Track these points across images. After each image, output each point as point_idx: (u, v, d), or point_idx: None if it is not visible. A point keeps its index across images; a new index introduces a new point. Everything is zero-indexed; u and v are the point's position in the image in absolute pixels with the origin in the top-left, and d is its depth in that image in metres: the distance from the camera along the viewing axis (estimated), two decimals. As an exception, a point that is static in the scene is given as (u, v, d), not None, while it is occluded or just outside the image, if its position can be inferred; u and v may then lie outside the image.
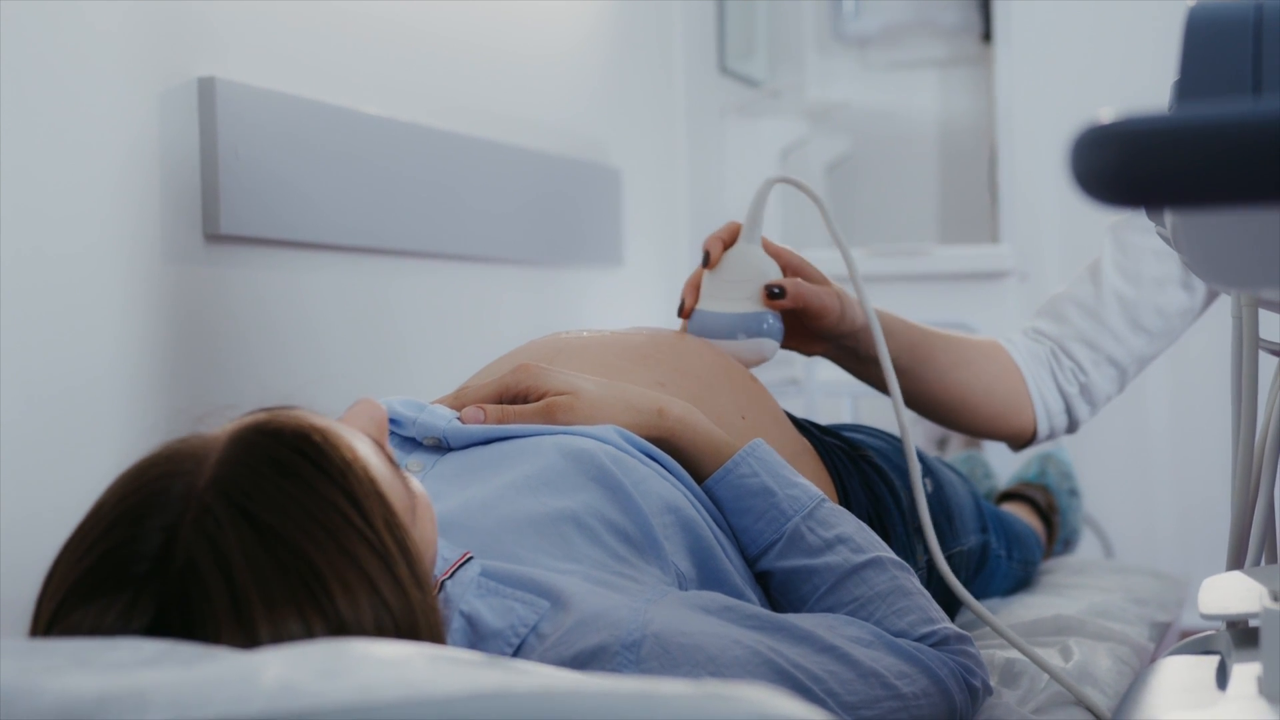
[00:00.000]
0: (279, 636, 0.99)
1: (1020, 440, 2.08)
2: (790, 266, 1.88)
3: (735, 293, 1.84)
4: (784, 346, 1.92)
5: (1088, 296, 2.05)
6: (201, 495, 1.04)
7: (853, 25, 4.58)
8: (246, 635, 0.99)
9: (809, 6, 4.59)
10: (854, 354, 1.92)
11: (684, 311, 1.89)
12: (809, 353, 1.94)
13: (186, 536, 1.02)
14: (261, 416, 1.12)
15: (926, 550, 1.91)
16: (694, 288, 1.89)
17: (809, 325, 1.88)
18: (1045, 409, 2.03)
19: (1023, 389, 2.02)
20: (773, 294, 1.83)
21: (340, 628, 1.02)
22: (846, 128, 4.54)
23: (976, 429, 2.05)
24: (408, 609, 1.07)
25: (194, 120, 1.92)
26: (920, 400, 1.99)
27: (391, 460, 1.17)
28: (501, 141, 2.69)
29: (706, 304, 1.87)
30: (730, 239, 1.87)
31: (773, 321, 1.85)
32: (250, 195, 1.98)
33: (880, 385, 1.95)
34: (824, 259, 1.99)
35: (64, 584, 1.03)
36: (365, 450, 1.13)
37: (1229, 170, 0.81)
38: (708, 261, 1.86)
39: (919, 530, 1.90)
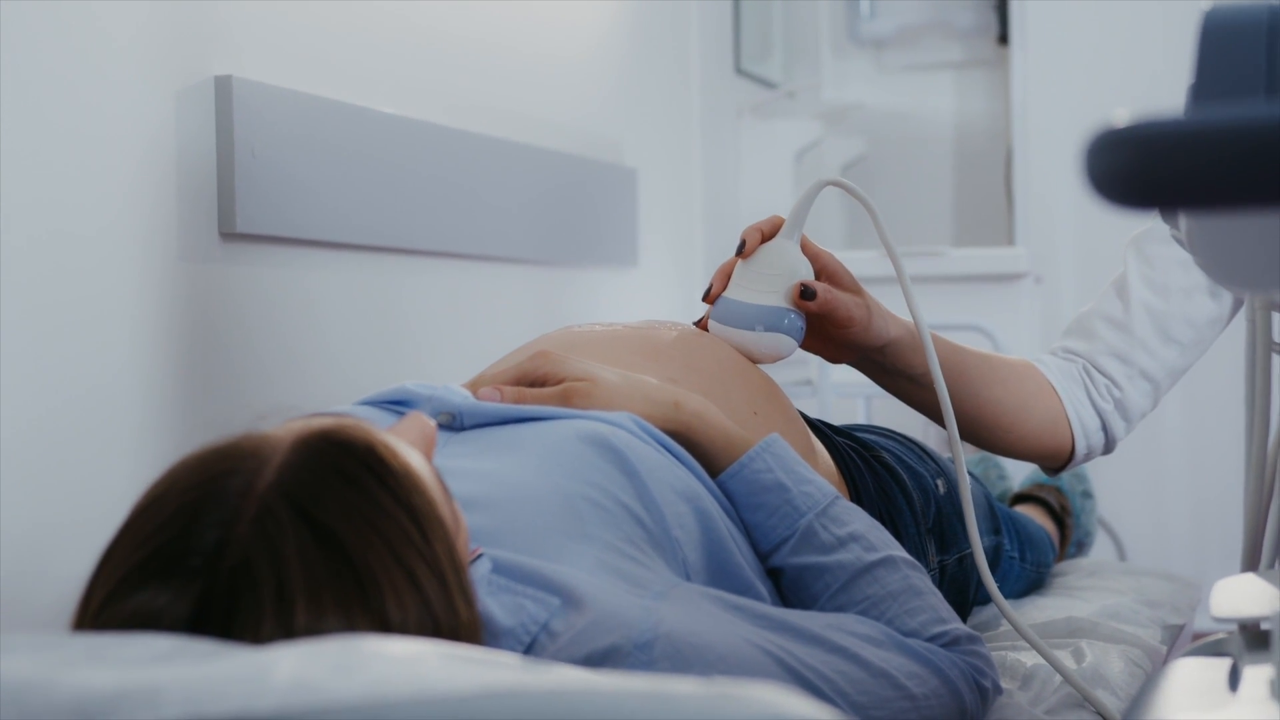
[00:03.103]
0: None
1: (1057, 461, 2.02)
2: (826, 270, 1.82)
3: (764, 285, 1.80)
4: (809, 350, 1.89)
5: (1116, 311, 2.00)
6: (264, 495, 1.04)
7: (868, 27, 4.58)
8: (288, 636, 1.00)
9: (825, 8, 4.59)
10: (880, 366, 1.88)
11: (709, 296, 1.85)
12: (834, 360, 1.90)
13: (244, 534, 1.02)
14: (329, 424, 1.12)
15: (939, 551, 1.91)
16: (724, 275, 1.84)
17: (833, 333, 1.84)
18: (1082, 428, 1.97)
19: (1059, 408, 1.97)
20: (804, 294, 1.78)
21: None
22: (862, 129, 4.54)
23: (1011, 449, 1.99)
24: (454, 629, 1.08)
25: (210, 119, 1.92)
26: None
27: (440, 478, 1.17)
28: (517, 141, 2.70)
29: (733, 293, 1.82)
30: (770, 232, 1.82)
31: (794, 320, 1.80)
32: (266, 194, 1.99)
33: (905, 398, 1.92)
34: (849, 259, 1.96)
35: (117, 572, 1.03)
36: (425, 469, 1.14)
37: (1243, 173, 0.81)
38: (742, 250, 1.82)
39: (930, 531, 1.90)
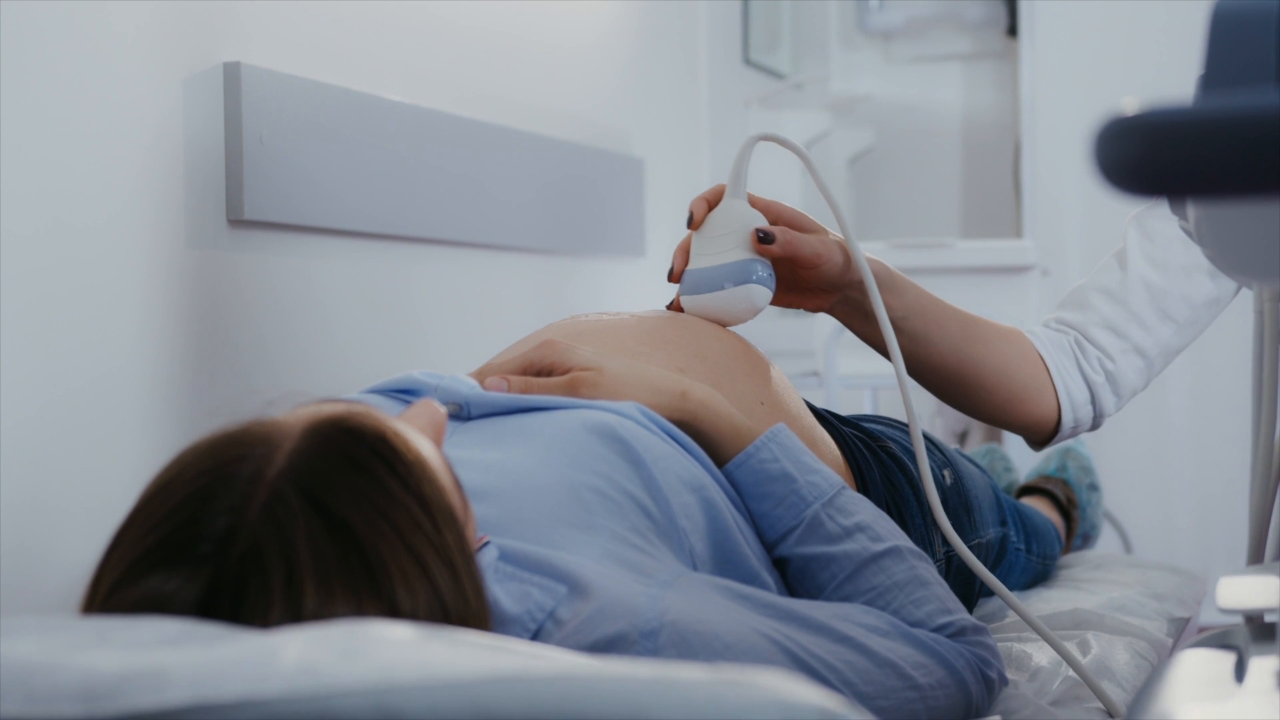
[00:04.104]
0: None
1: (1041, 431, 1.98)
2: (781, 218, 1.81)
3: (722, 246, 1.78)
4: (787, 304, 1.87)
5: (1113, 283, 1.96)
6: (274, 481, 1.04)
7: (877, 18, 4.58)
8: (297, 623, 1.00)
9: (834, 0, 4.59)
10: (860, 310, 1.84)
11: (673, 275, 1.83)
12: (813, 308, 1.87)
13: (254, 521, 1.02)
14: (340, 411, 1.12)
15: (945, 542, 1.90)
16: (683, 251, 1.83)
17: (806, 276, 1.81)
18: (1069, 398, 1.94)
19: (1044, 375, 1.93)
20: (763, 239, 1.76)
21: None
22: (870, 121, 4.54)
23: (993, 413, 1.95)
24: (464, 617, 1.08)
25: (219, 105, 1.92)
26: (929, 372, 1.90)
27: (450, 466, 1.17)
28: (525, 130, 2.70)
29: (694, 263, 1.81)
30: (714, 198, 1.82)
31: (761, 269, 1.77)
32: (274, 181, 1.99)
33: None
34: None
35: (127, 557, 1.03)
36: (435, 457, 1.14)
37: (1253, 161, 0.81)
38: (691, 221, 1.81)
39: (937, 522, 1.89)
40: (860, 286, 1.80)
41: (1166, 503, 3.91)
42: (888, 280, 1.82)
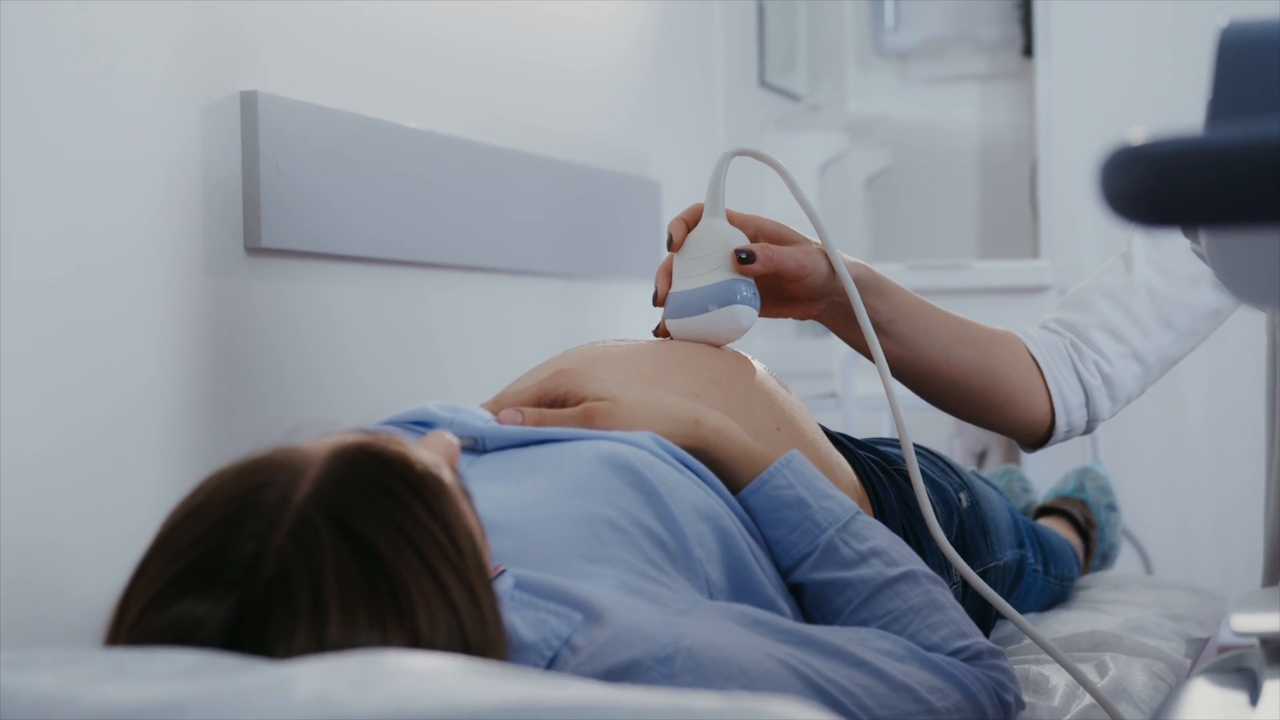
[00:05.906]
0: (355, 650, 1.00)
1: (1034, 435, 1.95)
2: (761, 232, 1.80)
3: (704, 267, 1.78)
4: (775, 315, 1.86)
5: (1117, 286, 1.95)
6: (301, 507, 1.05)
7: (893, 39, 4.58)
8: (322, 648, 1.00)
9: (849, 20, 4.59)
10: (847, 315, 1.81)
11: (657, 299, 1.83)
12: (801, 316, 1.85)
13: (281, 546, 1.03)
14: (364, 438, 1.13)
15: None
16: (665, 274, 1.83)
17: (793, 288, 1.80)
18: (1064, 402, 1.91)
19: (1037, 379, 1.91)
20: (744, 259, 1.75)
21: (417, 648, 1.03)
22: (886, 142, 4.54)
23: (985, 416, 1.93)
24: (482, 644, 1.08)
25: (236, 134, 1.93)
26: (920, 376, 1.89)
27: (467, 493, 1.18)
28: (541, 155, 2.70)
29: (677, 285, 1.80)
30: (693, 219, 1.81)
31: (744, 289, 1.77)
32: (291, 208, 2.00)
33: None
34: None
35: (155, 584, 1.04)
36: (455, 483, 1.14)
37: (1260, 190, 0.81)
38: (670, 244, 1.80)
39: (953, 544, 1.89)
40: (845, 292, 1.79)
41: (1186, 522, 3.91)
42: (873, 284, 1.82)
